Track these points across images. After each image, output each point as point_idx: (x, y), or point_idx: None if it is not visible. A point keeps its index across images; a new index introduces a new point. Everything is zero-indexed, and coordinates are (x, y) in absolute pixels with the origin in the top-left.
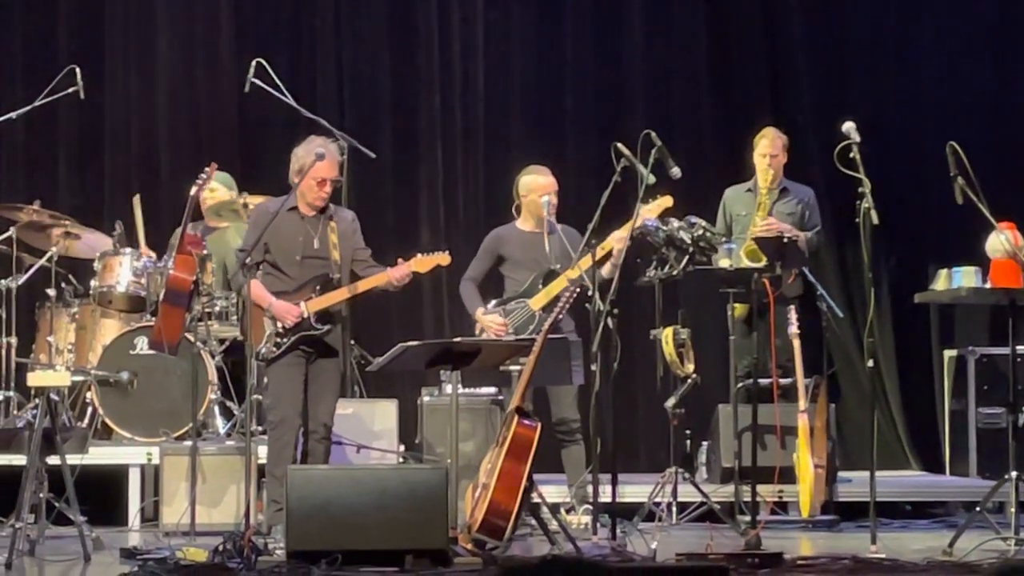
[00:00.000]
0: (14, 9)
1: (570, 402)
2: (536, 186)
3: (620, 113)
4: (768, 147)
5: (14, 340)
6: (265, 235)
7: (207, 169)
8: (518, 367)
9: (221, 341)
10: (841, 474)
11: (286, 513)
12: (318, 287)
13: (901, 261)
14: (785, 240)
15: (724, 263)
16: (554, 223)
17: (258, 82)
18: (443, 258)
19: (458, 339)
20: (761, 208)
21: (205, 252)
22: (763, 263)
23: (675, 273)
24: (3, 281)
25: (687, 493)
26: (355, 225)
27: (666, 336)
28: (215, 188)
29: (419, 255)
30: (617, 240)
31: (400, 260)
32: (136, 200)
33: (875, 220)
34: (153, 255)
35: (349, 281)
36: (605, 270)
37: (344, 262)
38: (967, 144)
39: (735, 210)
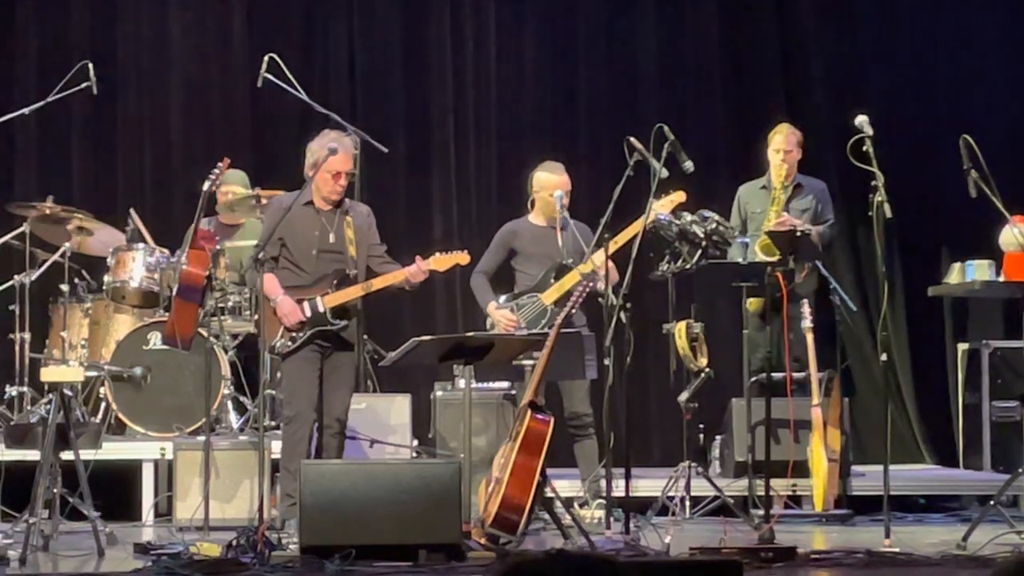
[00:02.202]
0: (28, 4)
1: (582, 396)
2: (548, 184)
3: (633, 107)
4: (782, 143)
5: (28, 335)
6: (282, 230)
7: (220, 164)
8: (531, 362)
9: (234, 336)
10: (855, 468)
11: (299, 508)
12: (335, 282)
13: (916, 257)
14: (798, 234)
15: (737, 258)
16: (567, 219)
17: (271, 77)
18: (462, 257)
19: (471, 334)
20: (775, 203)
21: (218, 247)
22: (777, 258)
23: (688, 267)
24: (17, 277)
25: (700, 487)
26: (371, 220)
27: (679, 330)
28: (237, 190)
29: (437, 254)
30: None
31: (418, 257)
32: (133, 213)
33: (888, 213)
34: (166, 251)
35: (364, 276)
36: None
37: (360, 257)
38: (980, 137)
39: (750, 208)
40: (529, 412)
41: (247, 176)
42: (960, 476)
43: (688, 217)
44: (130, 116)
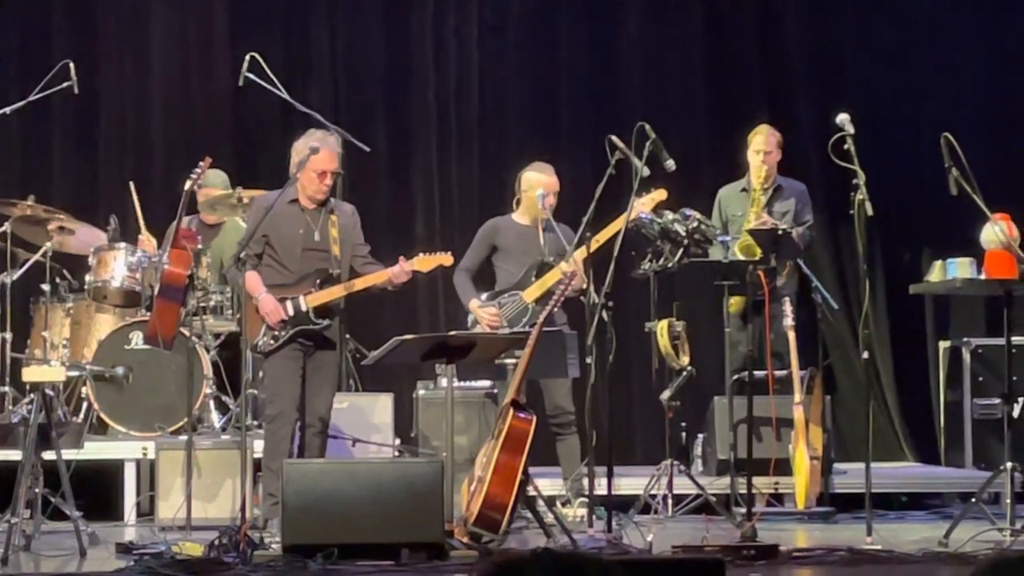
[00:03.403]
0: (8, 4)
1: (565, 393)
2: (536, 183)
3: (615, 106)
4: (762, 144)
5: (9, 335)
6: (266, 227)
7: (201, 164)
8: (513, 360)
9: (216, 335)
10: (836, 465)
11: (282, 507)
12: (318, 281)
13: (906, 254)
14: (779, 232)
15: (719, 257)
16: (551, 220)
17: (252, 76)
18: (445, 258)
19: (453, 332)
20: (755, 205)
21: (200, 247)
22: (758, 257)
23: (670, 266)
24: None
25: (683, 485)
26: (355, 219)
27: (661, 329)
28: (213, 191)
29: (421, 255)
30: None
31: (401, 258)
32: (131, 187)
33: (869, 212)
34: (154, 240)
35: (347, 276)
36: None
37: (344, 257)
38: (961, 135)
39: (731, 210)
40: (511, 411)
41: (227, 176)
42: (942, 473)
43: (670, 216)
44: (111, 116)
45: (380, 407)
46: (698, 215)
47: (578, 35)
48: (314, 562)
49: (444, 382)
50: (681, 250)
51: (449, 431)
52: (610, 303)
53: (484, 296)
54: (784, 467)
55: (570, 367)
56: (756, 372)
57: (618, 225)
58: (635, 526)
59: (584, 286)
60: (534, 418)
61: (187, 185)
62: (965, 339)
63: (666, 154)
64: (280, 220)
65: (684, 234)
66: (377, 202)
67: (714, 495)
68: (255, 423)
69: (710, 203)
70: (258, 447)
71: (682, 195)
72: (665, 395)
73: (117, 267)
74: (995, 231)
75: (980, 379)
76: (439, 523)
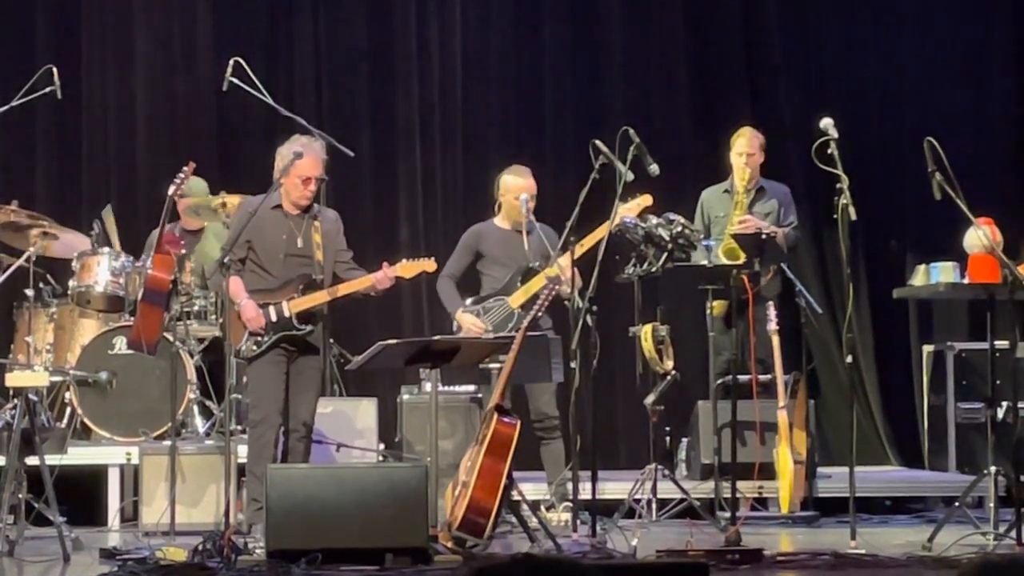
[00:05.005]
0: None
1: (548, 398)
2: (514, 187)
3: (598, 110)
4: (745, 146)
5: None
6: (250, 233)
7: (185, 169)
8: (498, 365)
9: (200, 340)
10: (820, 470)
11: (266, 512)
12: (301, 287)
13: (892, 242)
14: (763, 236)
15: (702, 261)
16: (533, 222)
17: (236, 81)
18: (428, 264)
19: (437, 337)
20: (738, 207)
21: (183, 251)
22: (741, 261)
23: (654, 270)
24: None
25: (667, 490)
26: (338, 225)
27: (645, 333)
28: (189, 202)
29: (404, 261)
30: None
31: (385, 264)
32: (108, 210)
33: (853, 216)
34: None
35: (331, 282)
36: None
37: (327, 262)
38: (945, 139)
39: (713, 212)
40: (495, 415)
41: (206, 183)
42: (925, 477)
43: (654, 220)
44: (95, 121)
45: (364, 412)
46: (682, 219)
47: (561, 39)
48: (298, 567)
49: (428, 387)
50: (665, 254)
51: (433, 436)
52: (594, 307)
53: (469, 301)
54: (768, 471)
55: (554, 372)
56: (740, 376)
57: (603, 231)
58: (619, 530)
59: (570, 291)
60: (518, 423)
61: (170, 191)
62: (948, 343)
63: (650, 158)
64: (263, 226)
65: (668, 238)
66: (361, 207)
67: (698, 499)
68: (239, 428)
69: (694, 207)
70: (242, 452)
71: (666, 199)
72: (649, 399)
73: (101, 272)
74: (978, 235)
75: (963, 383)
76: (423, 528)
